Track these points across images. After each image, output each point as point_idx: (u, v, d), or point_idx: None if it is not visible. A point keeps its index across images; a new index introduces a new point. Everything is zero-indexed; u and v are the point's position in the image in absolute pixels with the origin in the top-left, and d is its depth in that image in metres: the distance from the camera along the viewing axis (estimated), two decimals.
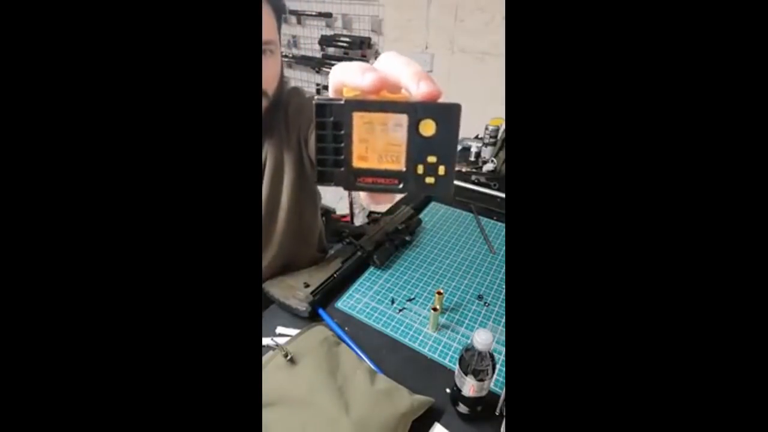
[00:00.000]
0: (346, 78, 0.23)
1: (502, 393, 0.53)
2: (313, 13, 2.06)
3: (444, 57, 1.81)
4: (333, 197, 1.76)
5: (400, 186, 0.22)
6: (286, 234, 0.76)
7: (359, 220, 1.73)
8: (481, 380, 0.49)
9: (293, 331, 0.63)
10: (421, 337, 0.65)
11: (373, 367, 0.58)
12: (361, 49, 1.95)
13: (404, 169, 0.22)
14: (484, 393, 0.51)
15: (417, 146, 0.22)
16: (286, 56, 2.23)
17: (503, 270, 0.80)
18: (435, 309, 0.65)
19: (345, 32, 2.01)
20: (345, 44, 1.98)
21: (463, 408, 0.53)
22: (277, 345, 0.56)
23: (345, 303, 0.72)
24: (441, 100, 0.22)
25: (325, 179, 0.23)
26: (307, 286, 0.70)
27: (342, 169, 0.22)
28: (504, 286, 0.76)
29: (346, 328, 0.66)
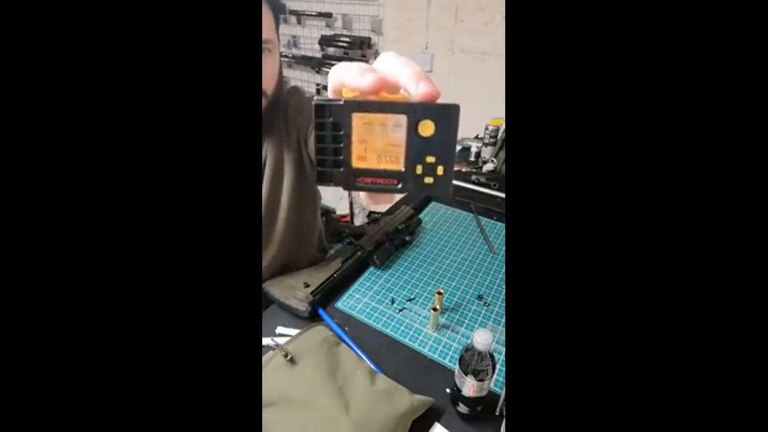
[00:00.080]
0: (346, 78, 0.23)
1: (502, 393, 0.53)
2: (313, 13, 2.06)
3: (444, 57, 1.81)
4: (333, 197, 1.76)
5: (399, 186, 0.23)
6: (286, 234, 0.76)
7: (359, 220, 1.73)
8: (481, 380, 0.49)
9: (293, 331, 0.63)
10: (421, 337, 0.65)
11: (373, 367, 0.58)
12: (361, 49, 1.95)
13: (403, 169, 0.22)
14: (484, 393, 0.51)
15: (416, 146, 0.22)
16: (286, 56, 2.23)
17: (503, 270, 0.80)
18: (435, 309, 0.65)
19: (345, 32, 2.01)
20: (345, 44, 1.98)
21: (463, 408, 0.53)
22: (277, 345, 0.56)
23: (345, 303, 0.72)
24: (440, 101, 0.22)
25: (325, 179, 0.23)
26: (307, 286, 0.70)
27: (341, 169, 0.22)
28: (504, 286, 0.76)
29: (346, 328, 0.66)
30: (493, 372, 0.49)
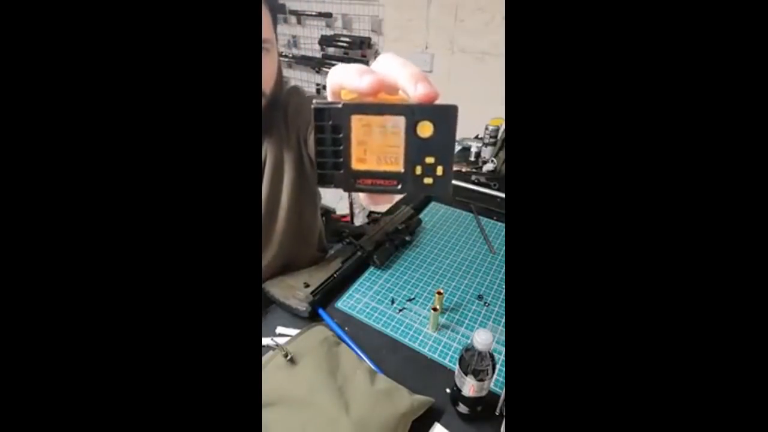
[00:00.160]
0: (344, 81, 0.23)
1: (502, 393, 0.53)
2: (313, 13, 2.06)
3: (444, 57, 1.81)
4: (333, 197, 1.76)
5: (399, 187, 0.23)
6: (286, 233, 0.76)
7: (359, 220, 1.73)
8: (481, 380, 0.49)
9: (293, 331, 0.63)
10: (421, 337, 0.65)
11: (373, 367, 0.58)
12: (361, 49, 1.95)
13: (403, 170, 0.22)
14: (484, 393, 0.51)
15: (415, 147, 0.22)
16: (286, 56, 2.23)
17: (503, 270, 0.81)
18: (435, 309, 0.65)
19: (345, 32, 2.01)
20: (345, 44, 1.98)
21: (463, 408, 0.53)
22: (277, 345, 0.56)
23: (345, 303, 0.72)
24: (440, 101, 0.22)
25: (325, 181, 0.23)
26: (307, 286, 0.70)
27: (341, 171, 0.23)
28: (504, 286, 0.76)
29: (346, 328, 0.66)
30: (493, 372, 0.49)
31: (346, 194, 1.76)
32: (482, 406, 0.52)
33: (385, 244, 0.82)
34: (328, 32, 2.06)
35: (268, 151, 0.71)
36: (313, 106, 0.22)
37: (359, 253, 0.79)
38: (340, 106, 0.22)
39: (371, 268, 0.80)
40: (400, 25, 1.86)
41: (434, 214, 1.00)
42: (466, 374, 0.49)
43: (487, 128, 1.21)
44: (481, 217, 0.97)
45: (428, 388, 0.55)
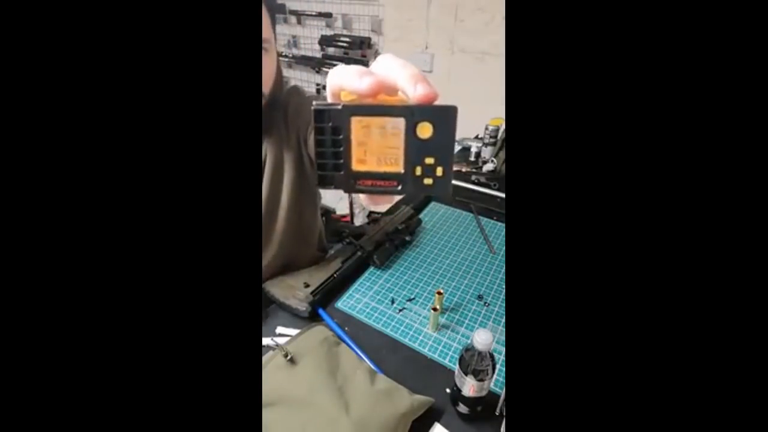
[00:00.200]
0: (344, 82, 0.23)
1: (502, 393, 0.53)
2: (313, 13, 2.06)
3: (444, 57, 1.81)
4: (333, 197, 1.76)
5: (399, 188, 0.23)
6: (286, 233, 0.76)
7: (359, 220, 1.73)
8: (481, 380, 0.49)
9: (293, 331, 0.63)
10: (421, 337, 0.65)
11: (373, 367, 0.58)
12: (361, 49, 1.95)
13: (402, 171, 0.22)
14: (484, 393, 0.51)
15: (415, 148, 0.22)
16: (286, 56, 2.23)
17: (503, 270, 0.81)
18: (435, 309, 0.65)
19: (345, 32, 2.01)
20: (345, 44, 1.98)
21: (463, 408, 0.53)
22: (277, 345, 0.56)
23: (345, 303, 0.72)
24: (440, 101, 0.22)
25: (326, 182, 0.23)
26: (307, 286, 0.70)
27: (341, 172, 0.23)
28: (504, 286, 0.76)
29: (346, 328, 0.66)
30: (493, 372, 0.49)
31: (346, 194, 1.76)
32: (482, 406, 0.52)
33: (385, 244, 0.82)
34: (328, 32, 2.06)
35: (268, 151, 0.71)
36: (312, 108, 0.22)
37: (359, 253, 0.79)
38: (339, 107, 0.22)
39: (371, 268, 0.80)
40: (400, 25, 1.86)
41: (434, 214, 1.00)
42: (466, 374, 0.49)
43: (487, 128, 1.21)
44: (481, 217, 0.97)
45: (428, 388, 0.55)
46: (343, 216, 1.69)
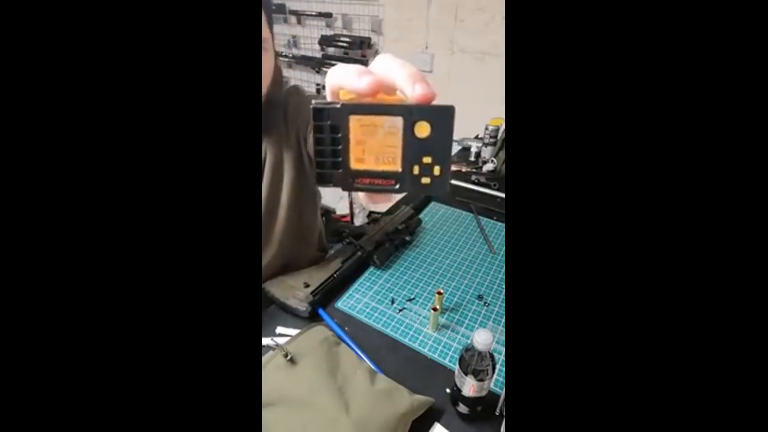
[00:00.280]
0: (343, 81, 0.23)
1: (502, 393, 0.53)
2: (313, 13, 2.06)
3: (444, 57, 1.81)
4: (333, 197, 1.76)
5: (397, 186, 0.23)
6: (286, 233, 0.76)
7: (359, 220, 1.73)
8: (481, 380, 0.49)
9: (293, 331, 0.63)
10: (421, 337, 0.65)
11: (373, 367, 0.58)
12: (361, 49, 1.95)
13: (400, 170, 0.23)
14: (484, 393, 0.51)
15: (413, 147, 0.22)
16: (285, 56, 2.23)
17: (503, 270, 0.81)
18: (435, 309, 0.65)
19: (345, 32, 2.01)
20: (345, 44, 1.98)
21: (463, 408, 0.53)
22: (277, 345, 0.56)
23: (345, 303, 0.72)
24: (440, 101, 0.22)
25: (324, 180, 0.23)
26: (307, 286, 0.70)
27: (340, 170, 0.23)
28: (504, 286, 0.76)
29: (346, 328, 0.66)
30: (493, 372, 0.49)
31: (346, 194, 1.76)
32: (482, 406, 0.52)
33: (385, 244, 0.82)
34: (328, 32, 2.06)
35: (267, 151, 0.71)
36: (311, 106, 0.22)
37: (359, 253, 0.79)
38: (338, 106, 0.22)
39: (371, 268, 0.80)
40: (400, 25, 1.86)
41: (434, 214, 1.00)
42: (466, 374, 0.49)
43: (487, 128, 1.21)
44: (481, 217, 0.97)
45: (428, 388, 0.55)
46: (343, 216, 1.69)
